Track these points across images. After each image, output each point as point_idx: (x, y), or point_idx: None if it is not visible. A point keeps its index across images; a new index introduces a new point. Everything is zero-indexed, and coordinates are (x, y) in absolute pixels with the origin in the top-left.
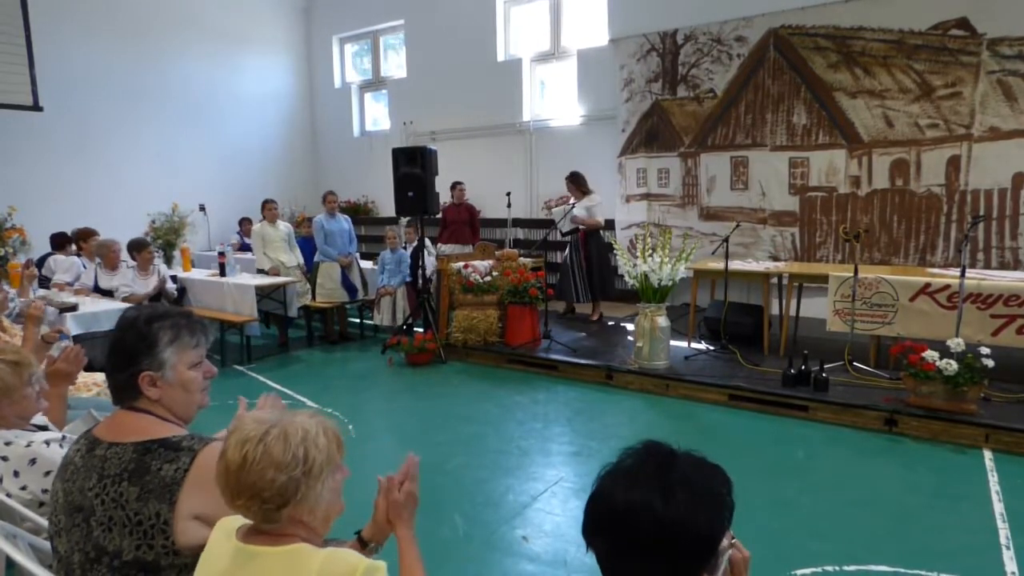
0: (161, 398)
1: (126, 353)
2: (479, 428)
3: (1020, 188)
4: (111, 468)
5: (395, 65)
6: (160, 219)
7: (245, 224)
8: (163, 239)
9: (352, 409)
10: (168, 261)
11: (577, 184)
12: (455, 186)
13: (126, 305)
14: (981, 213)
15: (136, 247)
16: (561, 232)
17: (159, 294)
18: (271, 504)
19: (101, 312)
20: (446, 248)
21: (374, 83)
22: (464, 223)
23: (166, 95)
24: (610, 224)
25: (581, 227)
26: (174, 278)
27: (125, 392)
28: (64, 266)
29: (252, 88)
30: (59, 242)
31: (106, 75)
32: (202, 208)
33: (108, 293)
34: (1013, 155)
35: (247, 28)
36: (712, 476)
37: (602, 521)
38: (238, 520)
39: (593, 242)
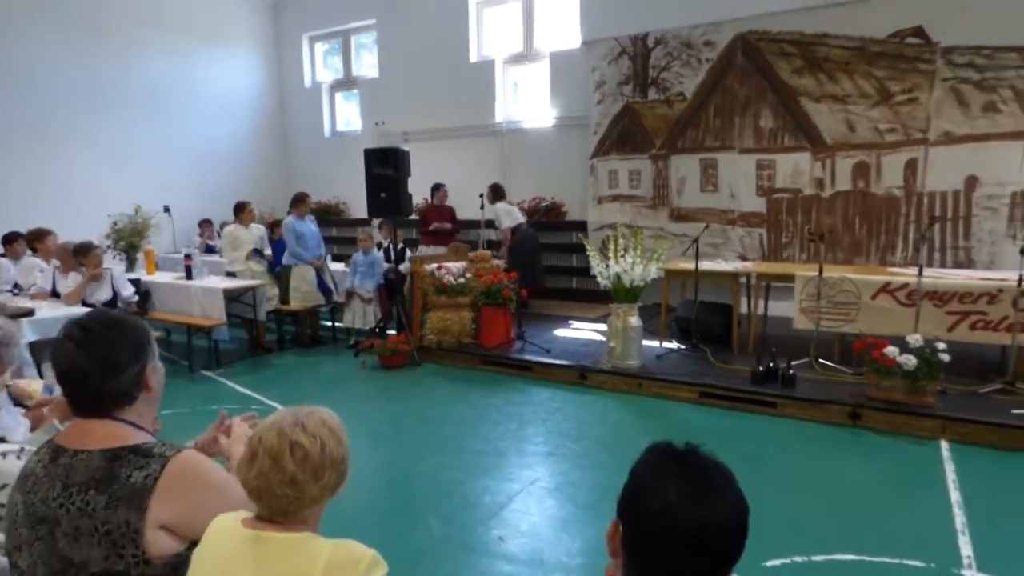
0: (155, 387)
1: (133, 348)
2: (454, 429)
3: (972, 191)
4: (77, 476)
5: (367, 65)
6: (122, 220)
7: (205, 226)
8: (126, 241)
9: None
10: (131, 264)
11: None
12: (439, 188)
13: (85, 310)
14: (937, 214)
15: (80, 251)
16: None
17: (112, 300)
18: (321, 492)
19: (61, 317)
20: (428, 251)
21: (345, 83)
22: (446, 226)
23: (127, 92)
24: (582, 225)
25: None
26: (136, 282)
27: (123, 396)
28: (26, 269)
29: (219, 86)
30: (10, 241)
31: (61, 70)
32: (166, 209)
33: None
34: (965, 159)
35: (213, 24)
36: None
37: (675, 534)
38: (239, 514)
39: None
